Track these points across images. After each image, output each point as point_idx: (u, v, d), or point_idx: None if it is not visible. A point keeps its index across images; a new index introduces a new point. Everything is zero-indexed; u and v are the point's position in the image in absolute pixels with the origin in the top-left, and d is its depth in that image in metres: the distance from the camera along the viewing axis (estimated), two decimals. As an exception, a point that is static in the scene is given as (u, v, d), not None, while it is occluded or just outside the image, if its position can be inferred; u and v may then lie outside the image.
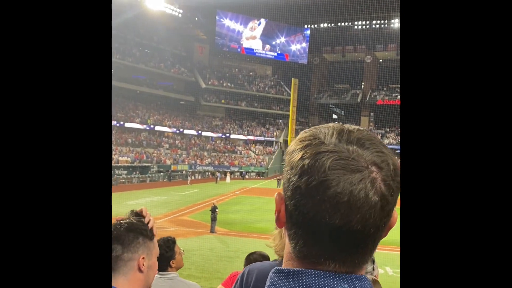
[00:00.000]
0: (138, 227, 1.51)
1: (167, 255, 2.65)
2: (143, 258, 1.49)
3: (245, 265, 3.12)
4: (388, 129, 48.65)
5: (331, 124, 0.61)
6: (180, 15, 46.35)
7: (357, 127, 0.60)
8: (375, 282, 2.43)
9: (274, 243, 1.59)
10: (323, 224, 0.54)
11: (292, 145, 0.60)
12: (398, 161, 0.60)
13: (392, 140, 46.43)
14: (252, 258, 3.10)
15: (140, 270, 1.48)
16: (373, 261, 3.77)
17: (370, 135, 0.59)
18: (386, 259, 11.47)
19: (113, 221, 1.52)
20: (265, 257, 3.15)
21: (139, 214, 1.58)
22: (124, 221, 1.53)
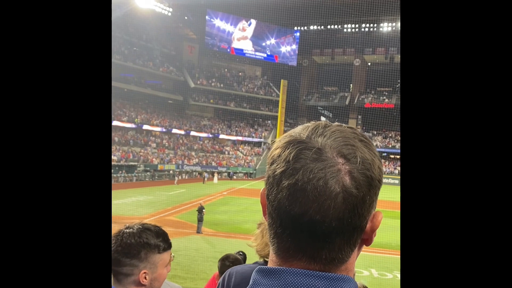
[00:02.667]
0: (141, 240, 1.40)
1: None
2: (144, 272, 1.39)
3: (219, 268, 3.14)
4: (375, 132, 49.05)
5: (315, 121, 0.62)
6: (169, 14, 46.05)
7: (339, 124, 0.61)
8: None
9: (255, 242, 1.57)
10: (285, 213, 0.55)
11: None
12: (379, 160, 0.59)
13: (379, 143, 46.81)
14: (228, 263, 3.12)
15: (141, 284, 1.39)
16: None
17: (346, 129, 0.59)
18: (372, 261, 11.54)
19: (121, 227, 1.43)
20: (238, 260, 3.18)
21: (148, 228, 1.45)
22: (127, 231, 1.41)
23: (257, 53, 52.34)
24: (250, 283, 0.59)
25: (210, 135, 47.79)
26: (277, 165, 0.56)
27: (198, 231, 15.06)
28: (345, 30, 50.40)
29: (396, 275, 10.84)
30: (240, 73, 54.58)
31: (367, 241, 0.60)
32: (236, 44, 50.88)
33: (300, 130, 0.59)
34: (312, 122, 0.61)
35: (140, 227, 1.44)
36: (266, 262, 1.48)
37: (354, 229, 0.56)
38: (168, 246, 1.48)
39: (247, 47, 51.46)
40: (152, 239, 1.42)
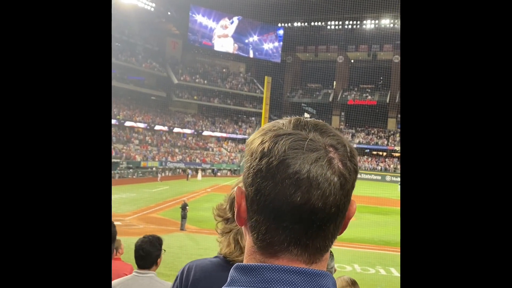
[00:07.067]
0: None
1: (156, 254, 2.66)
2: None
3: None
4: (358, 128, 49.54)
5: (290, 117, 0.64)
6: (152, 9, 45.55)
7: (313, 119, 0.63)
8: (354, 283, 2.43)
9: (228, 249, 1.41)
10: (285, 204, 0.55)
11: (252, 136, 0.62)
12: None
13: (362, 140, 47.31)
14: None
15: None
16: (333, 257, 3.82)
17: (325, 124, 0.62)
18: (355, 257, 11.66)
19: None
20: None
21: None
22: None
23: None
24: (228, 280, 0.59)
25: (194, 132, 47.55)
26: (271, 158, 0.56)
27: (182, 228, 14.98)
28: (328, 27, 50.66)
29: (378, 269, 10.99)
30: (224, 70, 54.36)
31: (341, 226, 0.61)
32: (216, 41, 50.56)
33: (282, 124, 0.61)
34: (285, 118, 0.64)
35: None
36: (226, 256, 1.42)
37: (344, 215, 0.59)
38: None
39: (229, 45, 51.23)
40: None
